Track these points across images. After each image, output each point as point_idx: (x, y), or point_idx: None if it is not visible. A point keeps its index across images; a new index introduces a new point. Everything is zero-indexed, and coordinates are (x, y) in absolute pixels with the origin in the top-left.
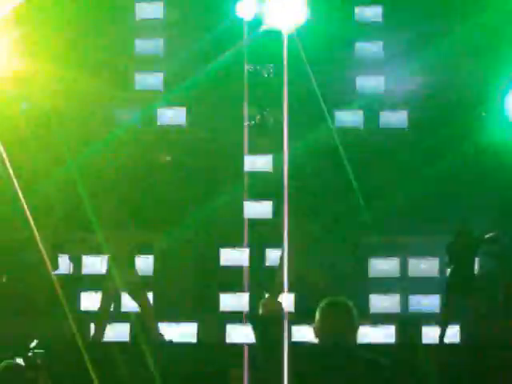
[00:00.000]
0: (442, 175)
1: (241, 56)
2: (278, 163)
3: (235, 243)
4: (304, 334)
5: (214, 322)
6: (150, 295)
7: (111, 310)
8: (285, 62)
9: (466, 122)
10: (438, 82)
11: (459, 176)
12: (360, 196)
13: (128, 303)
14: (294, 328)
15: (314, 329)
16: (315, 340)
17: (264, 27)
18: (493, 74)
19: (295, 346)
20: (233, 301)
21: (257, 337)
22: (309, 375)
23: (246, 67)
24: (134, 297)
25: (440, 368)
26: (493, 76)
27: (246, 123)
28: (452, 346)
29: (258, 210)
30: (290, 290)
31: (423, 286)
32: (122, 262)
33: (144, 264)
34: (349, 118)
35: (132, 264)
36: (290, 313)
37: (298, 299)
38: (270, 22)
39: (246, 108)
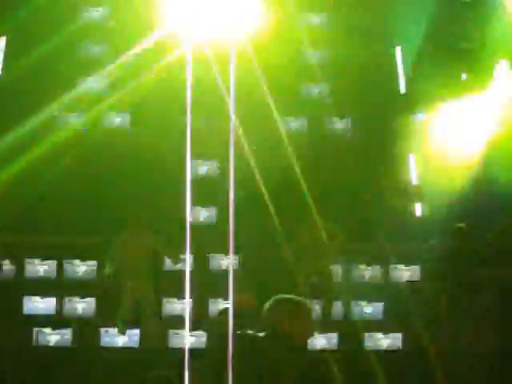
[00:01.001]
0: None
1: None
2: (223, 169)
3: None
4: None
5: (156, 326)
6: (93, 300)
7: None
8: (232, 68)
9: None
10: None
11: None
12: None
13: None
14: None
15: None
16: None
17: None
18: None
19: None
20: (176, 306)
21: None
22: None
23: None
24: None
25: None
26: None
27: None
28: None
29: (201, 215)
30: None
31: (366, 292)
32: None
33: (88, 269)
34: (294, 124)
35: None
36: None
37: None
38: (217, 27)
39: (190, 113)
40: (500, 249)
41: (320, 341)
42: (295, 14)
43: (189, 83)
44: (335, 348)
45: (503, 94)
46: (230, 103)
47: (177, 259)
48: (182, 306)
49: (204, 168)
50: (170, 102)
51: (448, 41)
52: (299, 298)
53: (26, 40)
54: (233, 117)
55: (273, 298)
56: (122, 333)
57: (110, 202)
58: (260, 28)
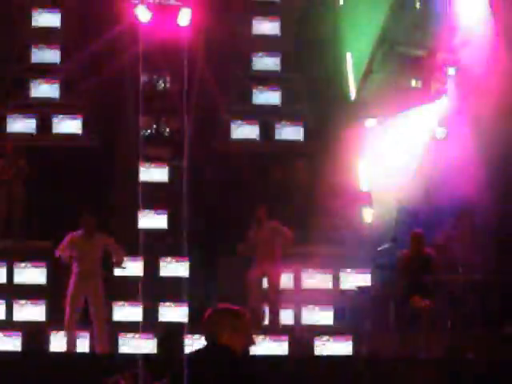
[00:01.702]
0: None
1: (137, 63)
2: (173, 173)
3: (129, 253)
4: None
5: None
6: (43, 305)
7: None
8: (185, 71)
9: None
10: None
11: None
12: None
13: None
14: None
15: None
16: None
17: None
18: None
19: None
20: (127, 311)
21: None
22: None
23: (142, 77)
24: None
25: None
26: None
27: (141, 132)
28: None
29: (152, 220)
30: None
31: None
32: None
33: (38, 273)
34: (245, 129)
35: None
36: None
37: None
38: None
39: (141, 117)
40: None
41: (270, 346)
42: (247, 20)
43: (141, 85)
44: (285, 354)
45: (451, 102)
46: (183, 106)
47: (123, 262)
48: (133, 311)
49: (154, 172)
50: (123, 105)
51: (398, 48)
52: (237, 309)
53: None
54: (186, 120)
55: (210, 309)
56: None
57: (61, 207)
58: (212, 32)
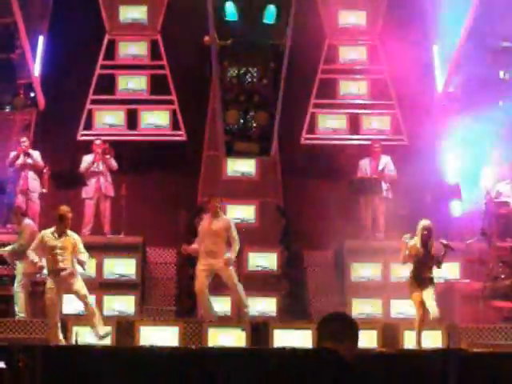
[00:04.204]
0: None
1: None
2: (260, 167)
3: None
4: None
5: (195, 325)
6: (133, 297)
7: None
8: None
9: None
10: None
11: None
12: None
13: None
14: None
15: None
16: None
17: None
18: None
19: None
20: (217, 304)
21: None
22: None
23: (229, 72)
24: None
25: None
26: None
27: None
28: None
29: (240, 213)
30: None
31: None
32: None
33: (128, 266)
34: (332, 121)
35: None
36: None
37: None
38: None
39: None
40: None
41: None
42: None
43: (228, 80)
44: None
45: None
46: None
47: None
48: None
49: (242, 166)
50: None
51: (486, 39)
52: (349, 317)
53: None
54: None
55: (324, 316)
56: None
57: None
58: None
